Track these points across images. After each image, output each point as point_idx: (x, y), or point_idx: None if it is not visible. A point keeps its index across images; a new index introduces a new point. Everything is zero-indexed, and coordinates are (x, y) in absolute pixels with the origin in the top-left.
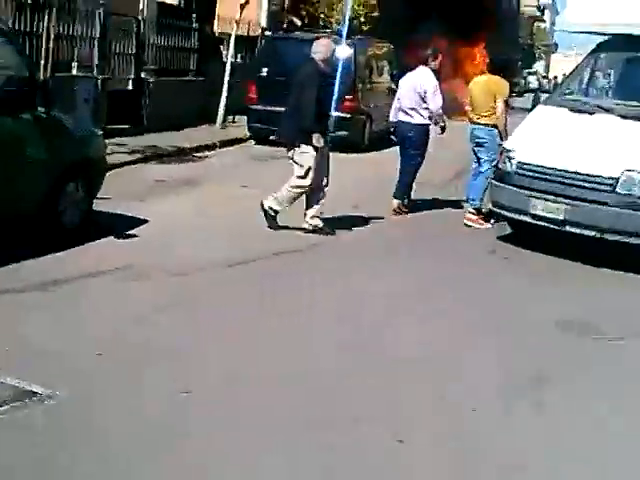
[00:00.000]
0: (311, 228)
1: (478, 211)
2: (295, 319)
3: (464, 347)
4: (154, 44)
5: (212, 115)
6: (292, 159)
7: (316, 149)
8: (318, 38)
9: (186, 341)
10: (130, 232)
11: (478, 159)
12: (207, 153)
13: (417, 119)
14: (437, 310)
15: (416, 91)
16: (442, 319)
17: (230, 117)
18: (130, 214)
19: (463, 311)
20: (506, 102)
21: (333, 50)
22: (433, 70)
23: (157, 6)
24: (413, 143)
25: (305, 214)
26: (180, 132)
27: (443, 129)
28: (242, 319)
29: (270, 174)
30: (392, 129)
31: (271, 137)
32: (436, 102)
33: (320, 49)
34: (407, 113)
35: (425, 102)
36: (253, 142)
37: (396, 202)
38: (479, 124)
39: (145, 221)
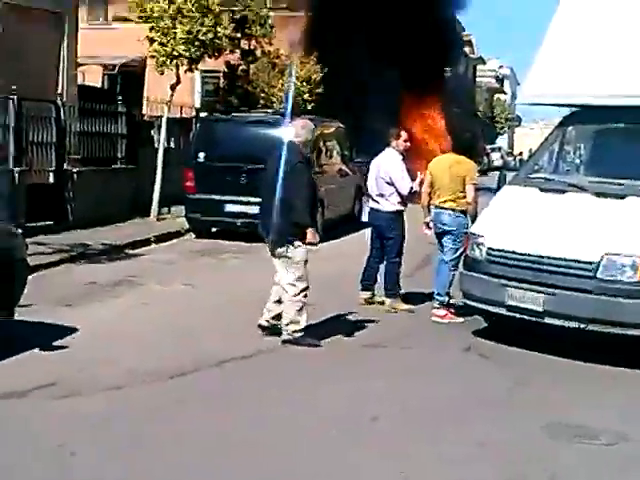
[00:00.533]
0: (291, 338)
1: (448, 304)
2: (233, 439)
3: (445, 462)
4: (77, 131)
5: (146, 207)
6: (280, 258)
7: (309, 244)
8: (261, 121)
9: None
10: (57, 343)
11: (442, 246)
12: (142, 249)
13: (385, 206)
14: (410, 421)
15: (379, 176)
16: (417, 432)
17: (166, 208)
18: (57, 322)
19: (438, 422)
20: (475, 185)
21: (314, 130)
22: (400, 151)
23: (78, 90)
24: (384, 232)
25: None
26: (110, 227)
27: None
28: (184, 447)
29: (215, 270)
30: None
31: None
32: (404, 186)
33: (301, 131)
34: (375, 200)
35: (392, 187)
36: (193, 235)
37: (363, 294)
38: (444, 209)
39: (74, 329)
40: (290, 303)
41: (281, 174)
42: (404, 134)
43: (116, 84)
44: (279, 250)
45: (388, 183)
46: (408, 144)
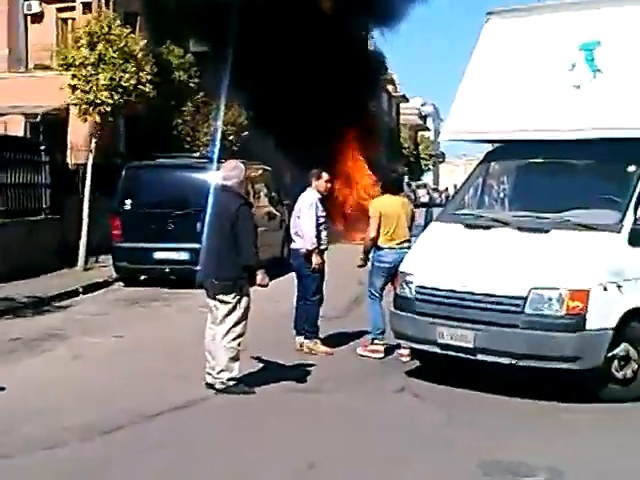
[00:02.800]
0: (223, 387)
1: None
2: None
3: None
4: None
5: (73, 257)
6: (222, 303)
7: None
8: (189, 166)
9: None
10: None
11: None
12: (70, 301)
13: (299, 243)
14: (347, 466)
15: (295, 214)
16: (355, 476)
17: (94, 257)
18: None
19: (375, 465)
20: None
21: (244, 171)
22: (320, 192)
23: None
24: (301, 271)
25: (210, 371)
26: (36, 279)
27: (317, 264)
28: None
29: (146, 319)
30: None
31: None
32: (305, 223)
33: (234, 173)
34: (293, 239)
35: None
36: (122, 284)
37: (299, 339)
38: (404, 249)
39: (0, 388)
40: (224, 350)
41: (225, 218)
42: (325, 175)
43: (39, 133)
44: (223, 297)
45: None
46: (329, 185)
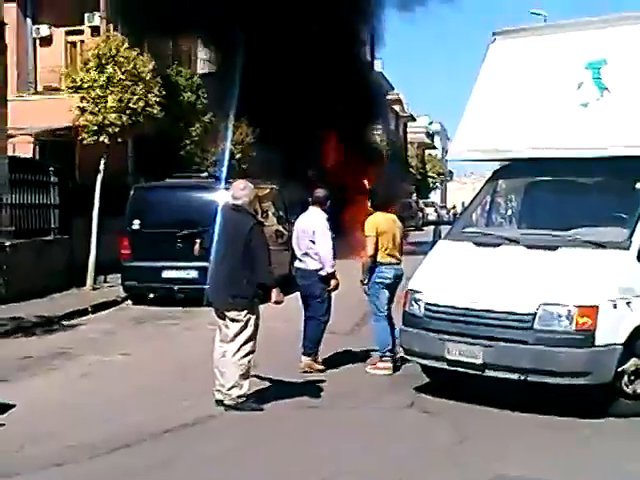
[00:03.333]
0: (233, 403)
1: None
2: None
3: None
4: (8, 203)
5: (82, 276)
6: (234, 322)
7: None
8: (197, 186)
9: None
10: None
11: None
12: (79, 320)
13: (311, 264)
14: None
15: (305, 235)
16: None
17: (102, 277)
18: None
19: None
20: None
21: (254, 190)
22: (326, 210)
23: (9, 161)
24: (311, 292)
25: (220, 388)
26: (45, 299)
27: (335, 285)
28: None
29: (154, 338)
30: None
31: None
32: (324, 245)
33: (244, 192)
34: (300, 259)
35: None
36: (130, 302)
37: (305, 359)
38: (401, 264)
39: (11, 406)
40: (235, 367)
41: (237, 238)
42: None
43: (47, 154)
44: (236, 315)
45: (312, 241)
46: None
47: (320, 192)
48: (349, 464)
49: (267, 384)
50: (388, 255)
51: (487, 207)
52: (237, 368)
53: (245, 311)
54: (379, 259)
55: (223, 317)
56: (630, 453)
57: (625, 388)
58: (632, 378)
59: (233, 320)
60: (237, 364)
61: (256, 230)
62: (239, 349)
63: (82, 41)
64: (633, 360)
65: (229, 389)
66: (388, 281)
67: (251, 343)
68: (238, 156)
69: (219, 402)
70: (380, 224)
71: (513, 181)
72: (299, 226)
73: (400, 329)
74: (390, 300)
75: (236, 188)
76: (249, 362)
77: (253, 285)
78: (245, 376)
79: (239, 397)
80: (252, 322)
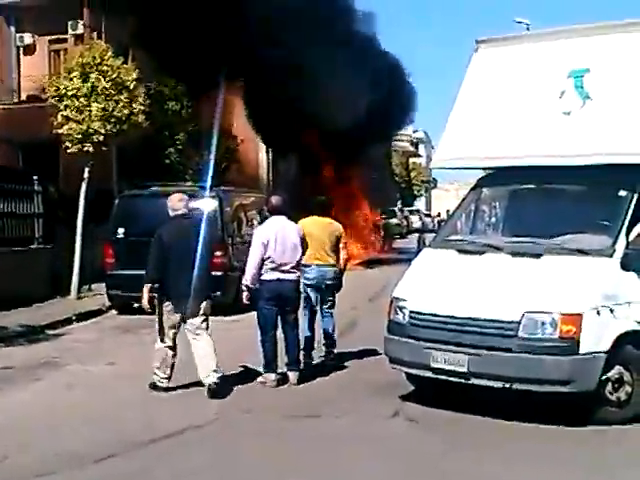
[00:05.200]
0: (215, 386)
1: None
2: None
3: None
4: None
5: (66, 285)
6: (199, 316)
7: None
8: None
9: None
10: None
11: (322, 301)
12: (63, 329)
13: (296, 274)
14: None
15: (288, 245)
16: None
17: (86, 286)
18: None
19: None
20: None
21: (188, 200)
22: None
23: None
24: (297, 302)
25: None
26: (29, 308)
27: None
28: None
29: (139, 347)
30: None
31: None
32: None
33: (181, 204)
34: (289, 270)
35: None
36: (115, 312)
37: (293, 375)
38: (329, 266)
39: None
40: (212, 354)
41: (196, 243)
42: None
43: (31, 163)
44: (202, 309)
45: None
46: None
47: (277, 200)
48: (333, 474)
49: (251, 392)
50: (314, 257)
51: (471, 215)
52: (213, 355)
53: (207, 304)
54: (303, 260)
55: (185, 313)
56: (618, 460)
57: (609, 396)
58: (616, 386)
59: (200, 314)
60: (211, 352)
61: (213, 234)
62: (209, 338)
63: (65, 49)
64: (617, 368)
65: (208, 376)
66: (309, 282)
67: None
68: (223, 165)
69: (211, 391)
70: (306, 226)
71: (497, 189)
72: (285, 236)
73: (385, 337)
74: (322, 300)
75: (174, 201)
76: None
77: (212, 283)
78: (216, 362)
79: (219, 379)
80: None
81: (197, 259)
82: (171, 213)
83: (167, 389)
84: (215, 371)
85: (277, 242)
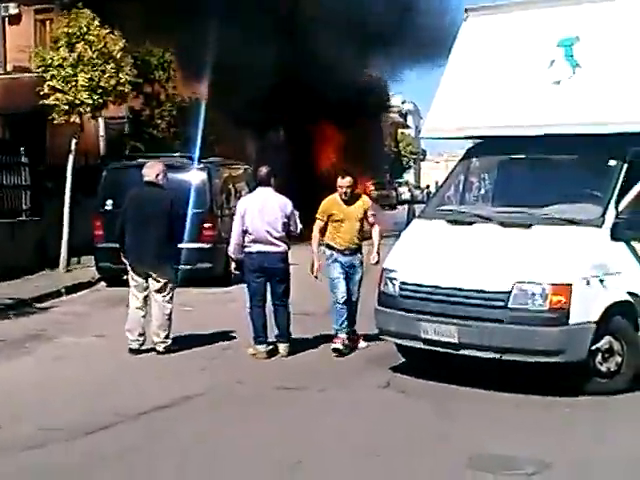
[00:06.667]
0: (165, 347)
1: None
2: None
3: None
4: None
5: (54, 258)
6: (162, 277)
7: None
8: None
9: None
10: None
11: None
12: (52, 302)
13: (282, 247)
14: (335, 463)
15: (280, 216)
16: (342, 473)
17: (75, 259)
18: None
19: (364, 461)
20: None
21: (162, 167)
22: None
23: None
24: (285, 275)
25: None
26: (17, 281)
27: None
28: None
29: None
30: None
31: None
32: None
33: (150, 171)
34: (274, 243)
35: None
36: (104, 284)
37: (284, 346)
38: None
39: None
40: (163, 320)
41: (162, 211)
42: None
43: (17, 134)
44: (163, 272)
45: (286, 224)
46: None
47: (263, 171)
48: (325, 445)
49: (244, 365)
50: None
51: (461, 185)
52: (166, 313)
53: (169, 268)
54: (335, 244)
55: (146, 277)
56: (606, 429)
57: (599, 366)
58: (606, 356)
59: (158, 279)
60: (166, 307)
61: (175, 203)
62: (166, 295)
63: (51, 20)
64: (607, 338)
65: (166, 337)
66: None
67: (171, 300)
68: (212, 137)
69: (155, 349)
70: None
71: (487, 159)
72: (265, 208)
73: (375, 309)
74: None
75: (145, 168)
76: (171, 309)
77: (176, 248)
78: (170, 320)
79: (169, 338)
80: (170, 285)
81: (157, 226)
82: (144, 180)
83: (139, 351)
84: (163, 340)
85: (255, 214)
